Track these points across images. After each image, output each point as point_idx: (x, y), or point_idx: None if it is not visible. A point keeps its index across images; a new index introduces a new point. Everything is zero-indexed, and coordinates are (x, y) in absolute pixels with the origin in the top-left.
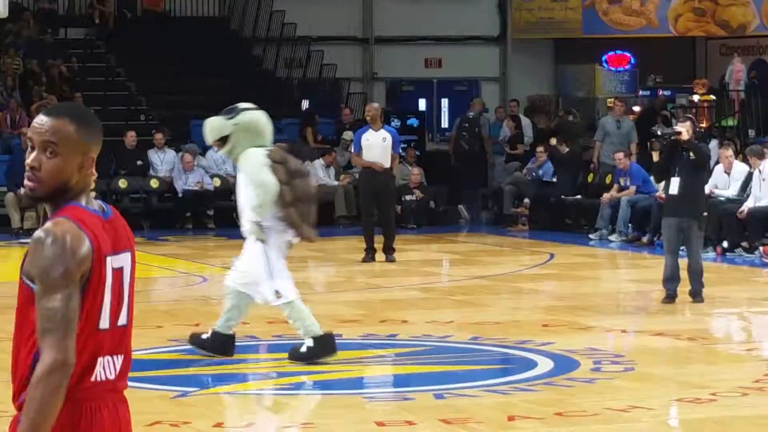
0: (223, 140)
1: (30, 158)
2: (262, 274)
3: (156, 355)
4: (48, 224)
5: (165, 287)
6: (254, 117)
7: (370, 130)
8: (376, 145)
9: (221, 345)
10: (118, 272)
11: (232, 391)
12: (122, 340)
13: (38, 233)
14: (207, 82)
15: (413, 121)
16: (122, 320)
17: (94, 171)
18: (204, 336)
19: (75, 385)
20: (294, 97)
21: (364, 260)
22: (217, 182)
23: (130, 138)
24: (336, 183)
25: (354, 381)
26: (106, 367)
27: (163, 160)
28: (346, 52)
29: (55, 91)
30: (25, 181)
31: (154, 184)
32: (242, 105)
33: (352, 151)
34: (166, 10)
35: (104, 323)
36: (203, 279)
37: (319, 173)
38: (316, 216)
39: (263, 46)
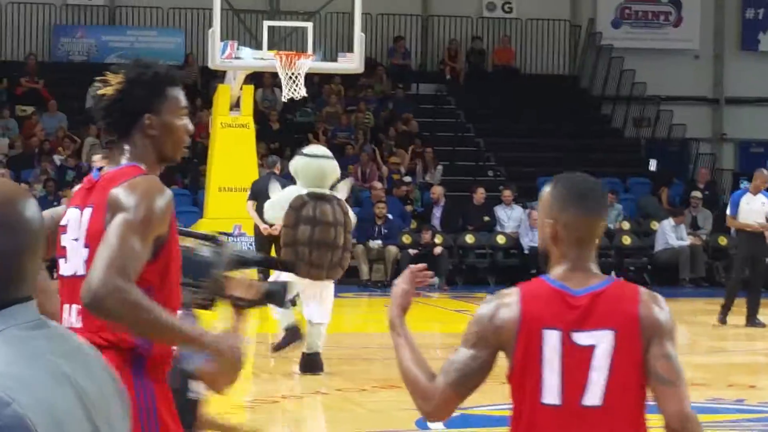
0: None
1: None
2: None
3: (497, 412)
4: None
5: None
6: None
7: (748, 194)
8: (756, 210)
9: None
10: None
11: None
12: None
13: None
14: (555, 139)
15: None
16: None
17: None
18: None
19: None
20: (641, 156)
21: (720, 321)
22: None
23: (479, 194)
24: (684, 243)
25: None
26: None
27: (510, 217)
28: (696, 112)
29: (404, 146)
30: None
31: (500, 240)
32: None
33: (728, 213)
34: (516, 66)
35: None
36: None
37: (668, 234)
38: (328, 260)
39: (612, 105)
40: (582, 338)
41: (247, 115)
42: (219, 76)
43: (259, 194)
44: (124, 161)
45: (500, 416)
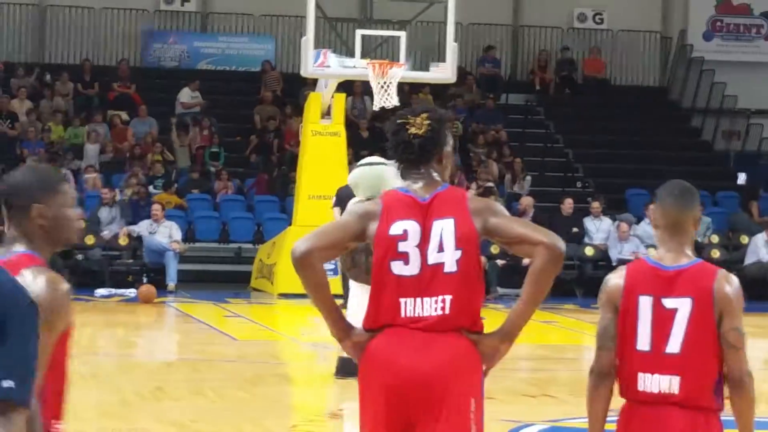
0: None
1: None
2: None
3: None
4: None
5: None
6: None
7: None
8: None
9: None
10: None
11: None
12: None
13: None
14: (644, 151)
15: None
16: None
17: None
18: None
19: None
20: (730, 169)
21: None
22: (652, 253)
23: (568, 205)
24: None
25: None
26: None
27: (598, 228)
28: None
29: (494, 156)
30: None
31: (589, 251)
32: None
33: None
34: (607, 77)
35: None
36: None
37: (761, 248)
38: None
39: (702, 118)
40: (668, 303)
41: (338, 123)
42: (309, 83)
43: (344, 201)
44: None
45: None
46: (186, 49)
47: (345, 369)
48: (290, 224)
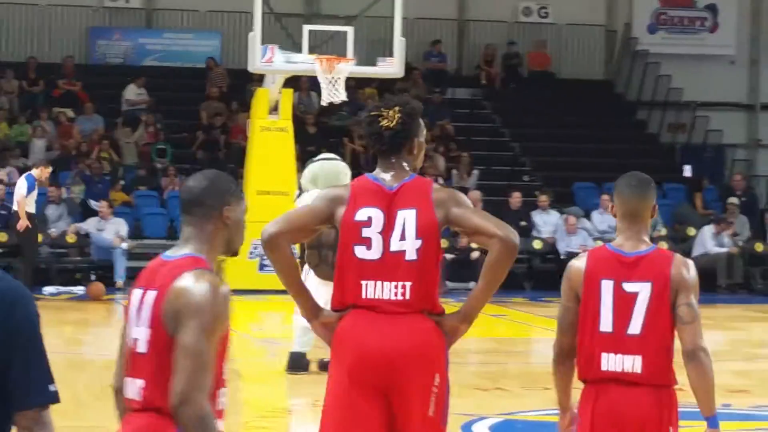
0: None
1: None
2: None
3: (540, 417)
4: None
5: (546, 349)
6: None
7: None
8: None
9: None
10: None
11: None
12: None
13: None
14: (590, 144)
15: None
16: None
17: None
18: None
19: None
20: (677, 162)
21: None
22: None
23: (515, 199)
24: (722, 250)
25: None
26: None
27: (546, 222)
28: (731, 118)
29: (440, 150)
30: None
31: (537, 245)
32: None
33: None
34: (552, 71)
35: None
36: None
37: (707, 240)
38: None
39: (648, 111)
40: (629, 287)
41: (286, 119)
42: (256, 79)
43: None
44: None
45: (542, 422)
46: (131, 45)
47: (296, 364)
48: None
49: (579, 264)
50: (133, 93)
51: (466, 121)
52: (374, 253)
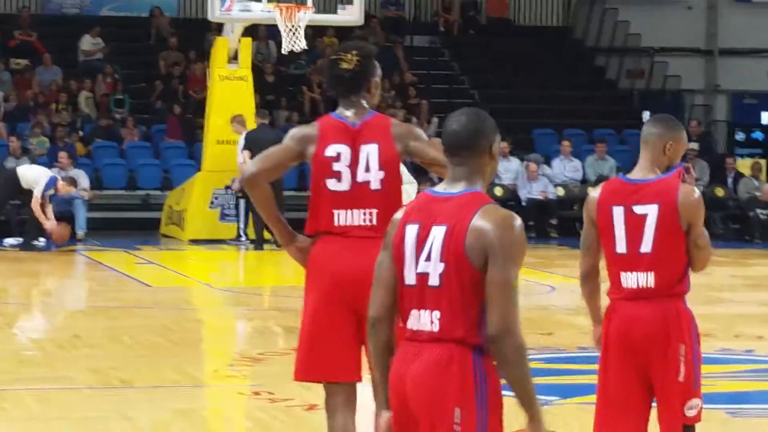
0: None
1: None
2: None
3: None
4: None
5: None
6: None
7: None
8: None
9: None
10: None
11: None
12: None
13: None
14: (549, 90)
15: (758, 135)
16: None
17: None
18: None
19: None
20: (636, 108)
21: None
22: (561, 192)
23: None
24: None
25: (717, 396)
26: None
27: (507, 169)
28: (690, 63)
29: (401, 99)
30: None
31: (498, 192)
32: None
33: None
34: (510, 18)
35: None
36: (551, 288)
37: None
38: None
39: (606, 57)
40: (638, 209)
41: (246, 68)
42: (214, 28)
43: (254, 144)
44: None
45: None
46: None
47: None
48: (199, 170)
49: (594, 194)
50: (88, 44)
51: (424, 69)
52: (344, 185)
